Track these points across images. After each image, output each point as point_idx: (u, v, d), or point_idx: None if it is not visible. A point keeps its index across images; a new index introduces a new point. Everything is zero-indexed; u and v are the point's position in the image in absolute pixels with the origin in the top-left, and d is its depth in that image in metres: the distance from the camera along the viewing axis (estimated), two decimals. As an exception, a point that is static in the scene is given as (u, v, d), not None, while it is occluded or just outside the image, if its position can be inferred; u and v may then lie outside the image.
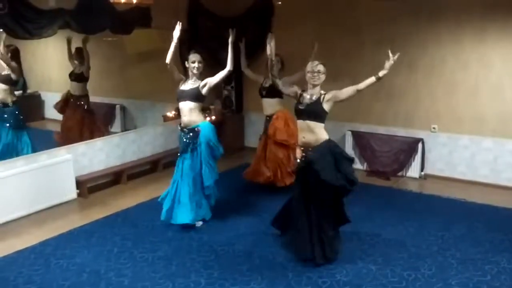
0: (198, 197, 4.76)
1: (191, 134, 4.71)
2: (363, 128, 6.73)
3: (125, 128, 7.21)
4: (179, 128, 4.84)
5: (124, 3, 6.23)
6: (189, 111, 4.70)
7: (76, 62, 6.42)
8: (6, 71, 5.63)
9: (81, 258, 4.15)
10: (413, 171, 6.39)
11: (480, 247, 4.33)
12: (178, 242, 4.48)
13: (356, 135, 6.74)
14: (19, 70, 5.80)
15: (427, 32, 6.06)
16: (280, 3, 6.99)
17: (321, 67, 3.98)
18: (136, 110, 7.39)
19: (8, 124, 5.63)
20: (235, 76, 7.68)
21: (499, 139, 5.85)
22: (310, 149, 3.99)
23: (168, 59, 4.63)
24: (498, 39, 5.65)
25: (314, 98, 4.00)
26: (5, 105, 5.67)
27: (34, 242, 4.46)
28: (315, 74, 3.97)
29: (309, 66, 4.01)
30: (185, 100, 4.70)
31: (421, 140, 6.32)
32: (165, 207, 4.75)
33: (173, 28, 4.60)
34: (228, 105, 7.82)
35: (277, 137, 5.50)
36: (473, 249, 4.28)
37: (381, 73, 3.91)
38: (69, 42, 6.28)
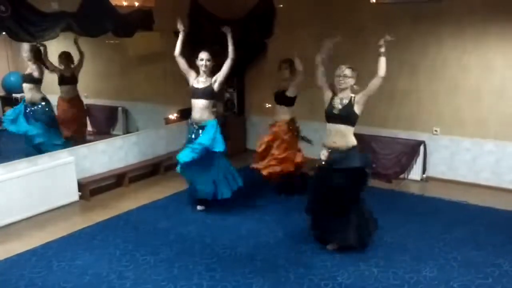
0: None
1: (200, 131, 4.98)
2: (365, 130, 6.70)
3: (127, 131, 7.21)
4: (190, 122, 5.09)
5: (126, 6, 6.24)
6: (201, 109, 4.99)
7: (61, 65, 6.38)
8: (28, 70, 5.78)
9: (83, 261, 4.16)
10: (415, 173, 6.39)
11: (482, 250, 4.33)
12: (180, 244, 4.48)
13: (358, 138, 6.60)
14: (40, 69, 5.90)
15: (429, 35, 6.06)
16: (281, 5, 7.01)
17: (347, 71, 4.04)
18: (138, 113, 7.40)
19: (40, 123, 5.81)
20: (237, 78, 7.71)
21: (501, 142, 5.84)
22: (339, 152, 4.08)
23: (176, 51, 4.90)
24: (500, 42, 5.65)
25: (345, 102, 4.07)
26: (34, 104, 5.86)
27: (36, 245, 4.47)
28: (341, 78, 4.03)
29: (336, 71, 4.08)
30: (199, 98, 4.96)
31: (423, 142, 6.31)
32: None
33: (175, 31, 4.67)
34: (230, 108, 7.84)
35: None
36: (474, 252, 4.28)
37: (382, 49, 4.05)
38: (45, 48, 6.18)
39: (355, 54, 6.40)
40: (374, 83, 4.04)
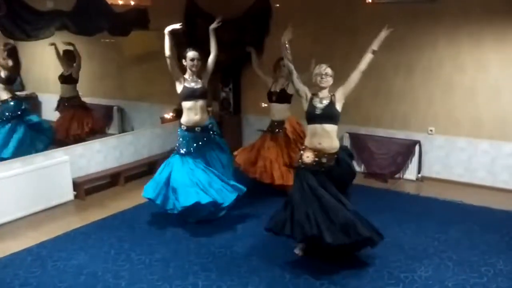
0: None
1: (205, 132, 4.87)
2: (361, 130, 6.74)
3: (122, 130, 7.20)
4: (185, 128, 4.84)
5: (122, 5, 6.23)
6: (202, 110, 4.85)
7: (64, 64, 6.39)
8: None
9: (78, 260, 4.15)
10: (410, 173, 6.40)
11: (476, 249, 4.34)
12: (176, 244, 4.48)
13: (354, 137, 6.75)
14: (15, 69, 5.79)
15: (425, 35, 6.08)
16: (278, 5, 7.00)
17: (329, 70, 4.00)
18: (134, 112, 7.39)
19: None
20: (233, 78, 7.71)
21: (496, 141, 5.87)
22: (325, 155, 3.97)
23: (167, 52, 4.67)
24: (495, 42, 5.67)
25: (325, 101, 4.02)
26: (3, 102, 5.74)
27: (31, 244, 4.45)
28: (323, 77, 3.99)
29: (317, 69, 4.03)
30: (197, 99, 4.80)
31: (418, 142, 6.33)
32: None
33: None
34: (226, 107, 7.83)
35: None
36: (469, 251, 4.30)
37: (375, 46, 4.05)
38: (54, 45, 6.18)
39: (351, 53, 6.42)
40: (354, 78, 4.02)
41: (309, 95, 4.11)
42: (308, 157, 4.02)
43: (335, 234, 3.72)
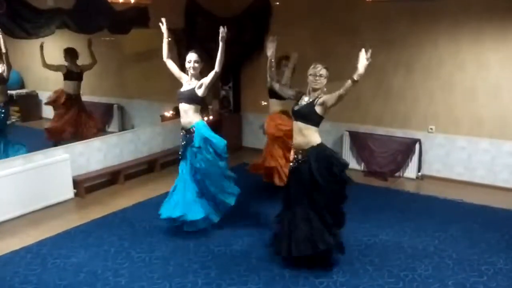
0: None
1: (187, 135, 4.65)
2: (361, 128, 6.74)
3: (122, 128, 7.19)
4: (181, 130, 4.82)
5: (122, 3, 6.21)
6: (185, 113, 4.65)
7: (66, 62, 6.38)
8: None
9: (78, 258, 4.15)
10: (410, 171, 6.41)
11: (476, 247, 4.34)
12: (176, 242, 4.48)
13: (354, 136, 6.75)
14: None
15: (425, 34, 6.07)
16: (277, 3, 7.00)
17: (323, 71, 3.85)
18: (134, 110, 7.38)
19: None
20: (233, 76, 7.71)
21: (496, 140, 5.87)
22: (300, 151, 3.95)
23: (164, 56, 4.69)
24: (495, 40, 5.66)
25: (309, 100, 3.91)
26: None
27: (31, 242, 4.46)
28: (317, 78, 3.84)
29: (311, 69, 3.89)
30: (181, 102, 4.66)
31: (418, 140, 6.33)
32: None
33: (168, 28, 4.71)
34: (225, 105, 7.83)
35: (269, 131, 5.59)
36: (469, 250, 4.30)
37: (356, 77, 3.56)
38: (41, 48, 6.05)
39: (350, 53, 6.40)
40: (334, 100, 3.73)
41: (299, 95, 4.08)
42: (291, 155, 4.10)
43: (298, 247, 3.86)
